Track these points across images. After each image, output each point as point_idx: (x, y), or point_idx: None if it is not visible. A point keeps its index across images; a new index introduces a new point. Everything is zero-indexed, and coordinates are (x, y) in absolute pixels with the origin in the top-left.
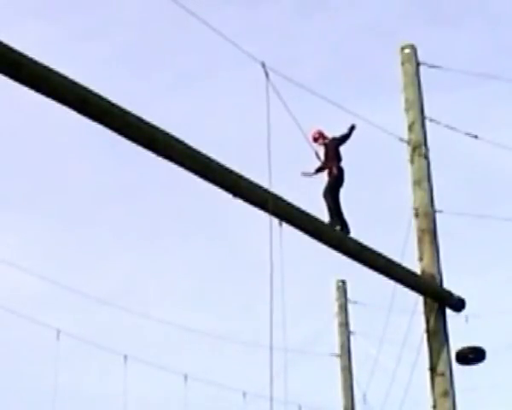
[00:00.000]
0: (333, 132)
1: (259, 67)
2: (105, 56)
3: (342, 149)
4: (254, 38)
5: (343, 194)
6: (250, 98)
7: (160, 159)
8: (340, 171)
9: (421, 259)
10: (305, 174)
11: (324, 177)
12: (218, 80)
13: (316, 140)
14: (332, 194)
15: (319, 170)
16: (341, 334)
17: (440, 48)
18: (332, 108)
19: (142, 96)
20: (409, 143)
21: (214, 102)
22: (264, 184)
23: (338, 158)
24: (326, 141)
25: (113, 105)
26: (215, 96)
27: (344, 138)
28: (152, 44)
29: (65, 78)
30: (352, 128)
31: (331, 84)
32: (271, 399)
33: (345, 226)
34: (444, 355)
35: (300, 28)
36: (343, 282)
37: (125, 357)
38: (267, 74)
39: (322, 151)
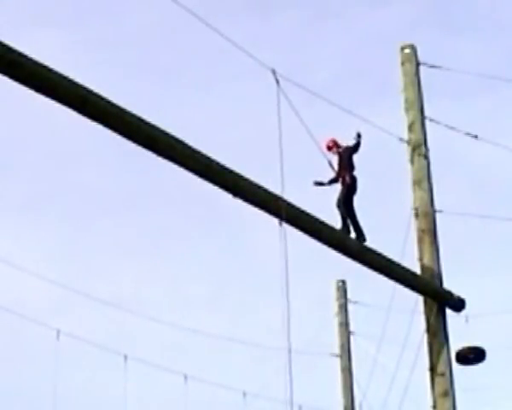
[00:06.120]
0: (341, 138)
1: (270, 74)
2: (117, 64)
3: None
4: (265, 46)
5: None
6: (261, 105)
7: (168, 162)
8: (354, 180)
9: (421, 259)
10: (318, 184)
11: (337, 186)
12: (229, 87)
13: (330, 149)
14: (346, 203)
15: (333, 181)
16: (341, 334)
17: (442, 50)
18: (341, 113)
19: (153, 103)
20: (409, 143)
21: (225, 109)
22: (276, 189)
23: (351, 167)
24: (340, 150)
25: (113, 105)
26: (226, 102)
27: (356, 147)
28: (163, 52)
29: (65, 78)
30: (359, 136)
31: (341, 90)
32: (291, 401)
33: (360, 235)
34: (444, 355)
35: (310, 36)
36: (343, 282)
37: (125, 357)
38: (278, 81)
39: (335, 160)
